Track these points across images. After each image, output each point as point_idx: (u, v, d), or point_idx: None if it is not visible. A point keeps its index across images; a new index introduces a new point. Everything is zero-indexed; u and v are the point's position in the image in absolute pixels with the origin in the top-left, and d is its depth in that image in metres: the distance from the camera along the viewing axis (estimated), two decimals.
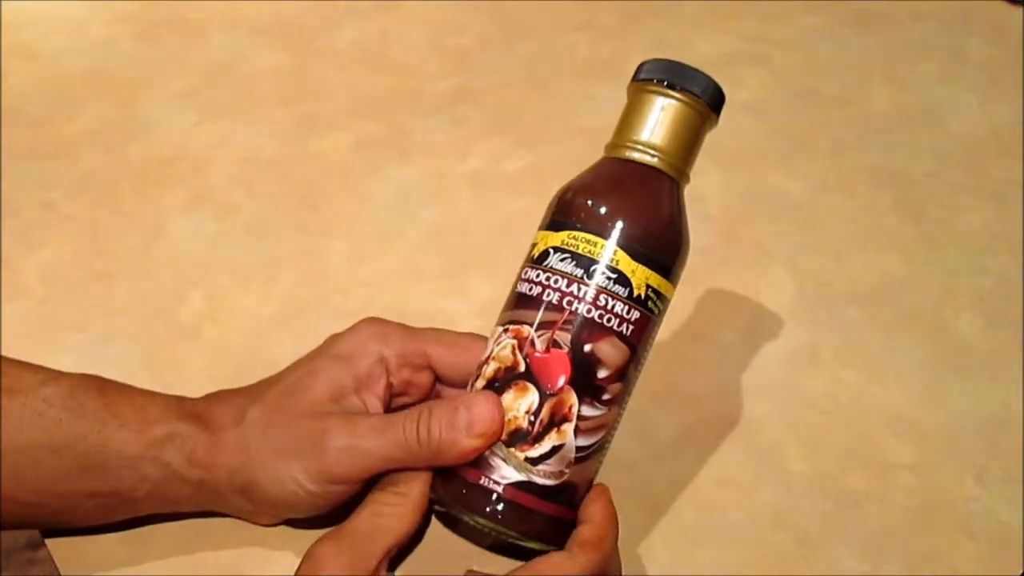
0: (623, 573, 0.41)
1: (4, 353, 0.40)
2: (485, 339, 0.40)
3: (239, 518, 0.42)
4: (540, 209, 0.40)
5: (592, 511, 0.38)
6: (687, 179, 0.39)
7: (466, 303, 0.54)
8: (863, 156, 0.65)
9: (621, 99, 0.40)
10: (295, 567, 0.37)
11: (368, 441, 0.37)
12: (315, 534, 0.39)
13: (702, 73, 0.39)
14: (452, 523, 0.43)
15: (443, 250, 0.57)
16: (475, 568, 0.39)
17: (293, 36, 0.76)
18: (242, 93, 0.70)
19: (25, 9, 0.78)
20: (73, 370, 0.41)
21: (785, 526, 0.44)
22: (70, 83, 0.70)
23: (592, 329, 0.37)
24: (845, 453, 0.47)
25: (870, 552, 0.43)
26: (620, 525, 0.38)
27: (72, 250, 0.57)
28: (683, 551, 0.43)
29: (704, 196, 0.61)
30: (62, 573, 0.41)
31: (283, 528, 0.42)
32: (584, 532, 0.37)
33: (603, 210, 0.38)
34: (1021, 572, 0.43)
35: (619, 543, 0.38)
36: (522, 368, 0.37)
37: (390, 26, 0.77)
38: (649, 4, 0.79)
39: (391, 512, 0.38)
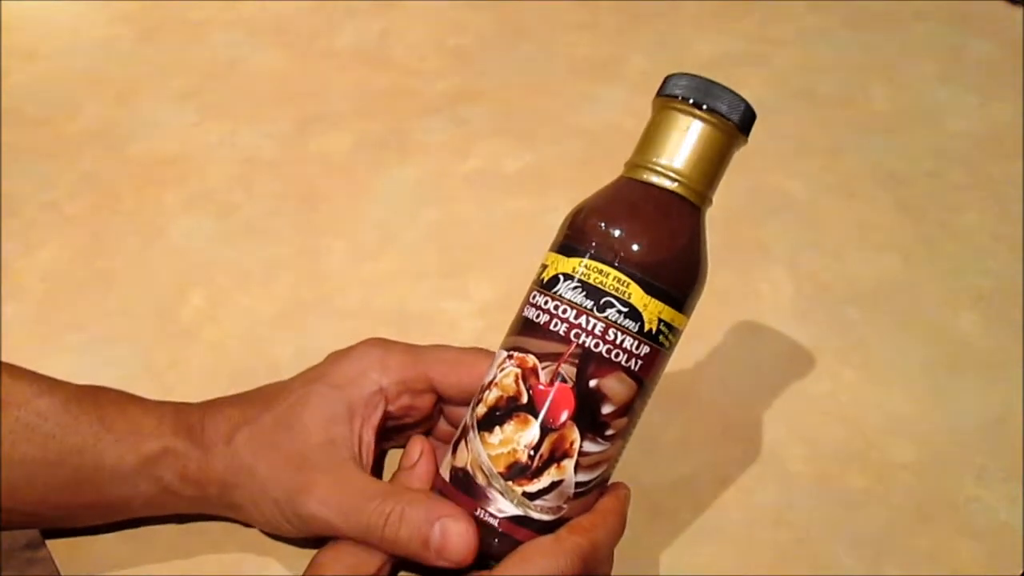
0: (626, 574, 0.41)
1: (4, 353, 0.40)
2: (489, 354, 0.39)
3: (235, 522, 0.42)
4: (540, 209, 0.40)
5: (599, 502, 0.37)
6: (710, 203, 0.37)
7: (466, 303, 0.54)
8: (863, 156, 0.65)
9: (621, 99, 0.40)
10: (295, 569, 0.37)
11: (337, 519, 0.37)
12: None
13: (731, 91, 0.36)
14: None
15: (443, 250, 0.57)
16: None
17: (293, 36, 0.76)
18: (242, 93, 0.70)
19: (25, 9, 0.78)
20: (73, 370, 0.41)
21: (785, 526, 0.44)
22: (70, 83, 0.70)
23: (599, 364, 0.35)
24: (845, 453, 0.47)
25: (870, 552, 0.43)
26: None
27: (72, 250, 0.57)
28: (683, 551, 0.43)
29: None
30: (62, 573, 0.41)
31: None
32: (580, 518, 0.36)
33: (617, 238, 0.35)
34: (1021, 572, 0.43)
35: (619, 543, 0.38)
36: (524, 400, 0.36)
37: (390, 26, 0.77)
38: (649, 4, 0.79)
39: None
